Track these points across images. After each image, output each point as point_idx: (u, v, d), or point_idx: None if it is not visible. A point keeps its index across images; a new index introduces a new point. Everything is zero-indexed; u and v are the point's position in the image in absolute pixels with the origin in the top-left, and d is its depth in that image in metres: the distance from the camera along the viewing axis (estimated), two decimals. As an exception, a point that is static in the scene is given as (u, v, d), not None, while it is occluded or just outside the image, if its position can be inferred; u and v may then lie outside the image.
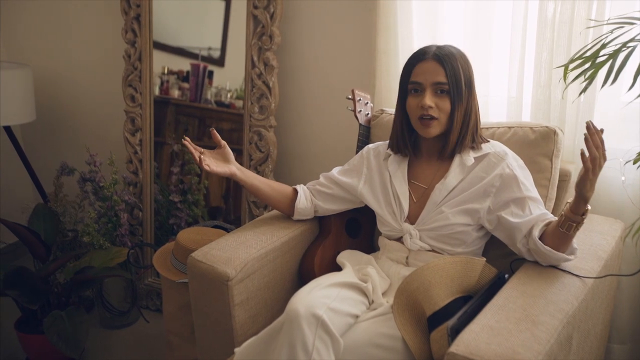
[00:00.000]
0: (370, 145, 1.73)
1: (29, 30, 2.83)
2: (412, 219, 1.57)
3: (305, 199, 1.72)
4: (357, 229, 1.80)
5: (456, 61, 1.49)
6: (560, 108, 1.76)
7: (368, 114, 1.89)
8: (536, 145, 1.61)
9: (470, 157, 1.53)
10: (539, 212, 1.45)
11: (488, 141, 1.58)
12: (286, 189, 1.74)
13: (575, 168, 1.72)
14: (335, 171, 1.74)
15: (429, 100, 1.49)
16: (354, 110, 1.86)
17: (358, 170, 1.70)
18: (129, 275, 2.28)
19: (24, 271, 2.02)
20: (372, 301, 1.52)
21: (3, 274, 2.03)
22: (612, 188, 1.74)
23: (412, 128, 1.57)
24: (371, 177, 1.67)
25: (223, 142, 1.63)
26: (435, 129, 1.51)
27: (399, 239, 1.60)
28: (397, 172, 1.62)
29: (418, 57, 1.52)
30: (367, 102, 1.90)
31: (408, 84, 1.53)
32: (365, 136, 1.84)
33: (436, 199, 1.54)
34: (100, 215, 2.39)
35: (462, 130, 1.52)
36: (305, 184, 1.77)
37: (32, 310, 2.09)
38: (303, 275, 1.72)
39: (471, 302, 1.33)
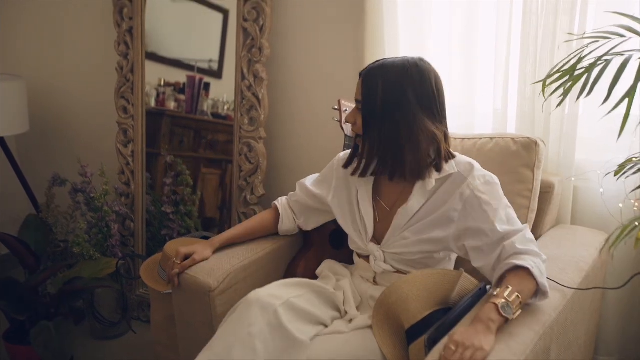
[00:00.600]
0: (340, 154, 1.67)
1: (22, 42, 2.86)
2: (377, 238, 1.53)
3: (288, 219, 1.72)
4: (340, 240, 1.80)
5: (378, 80, 1.40)
6: (544, 120, 1.78)
7: (355, 122, 1.88)
8: (518, 156, 1.62)
9: (432, 179, 1.44)
10: (502, 242, 1.34)
11: (454, 156, 1.45)
12: (264, 218, 1.73)
13: (559, 180, 1.73)
14: (309, 182, 1.72)
15: (350, 115, 1.48)
16: (340, 121, 1.86)
17: (328, 181, 1.66)
18: (118, 286, 2.29)
19: (11, 282, 2.03)
20: (345, 312, 1.52)
21: (-9, 284, 2.04)
22: (596, 200, 1.75)
23: None
24: (339, 191, 1.62)
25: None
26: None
27: (367, 257, 1.57)
28: (363, 189, 1.55)
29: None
30: None
31: None
32: (350, 147, 1.85)
33: (399, 222, 1.48)
34: (91, 226, 2.40)
35: (386, 153, 1.41)
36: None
37: (20, 320, 2.09)
38: None
39: (450, 314, 1.33)
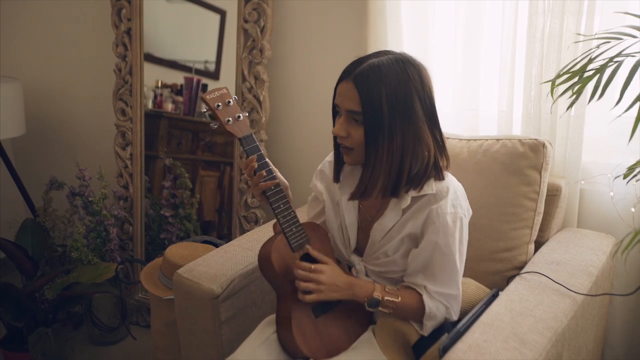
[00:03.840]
0: (328, 158, 1.52)
1: (19, 43, 2.82)
2: (360, 250, 1.43)
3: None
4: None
5: (380, 85, 1.22)
6: (550, 122, 1.75)
7: (239, 116, 1.33)
8: (525, 157, 1.59)
9: (407, 197, 1.32)
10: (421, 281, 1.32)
11: (443, 179, 1.32)
12: None
13: (565, 182, 1.71)
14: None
15: (338, 128, 1.28)
16: (222, 124, 1.32)
17: (318, 192, 1.51)
18: (117, 292, 2.26)
19: (9, 287, 2.00)
20: None
21: (-12, 290, 2.01)
22: (603, 203, 1.73)
23: None
24: (330, 192, 1.48)
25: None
26: (352, 159, 1.32)
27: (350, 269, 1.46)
28: (347, 198, 1.39)
29: (341, 75, 1.29)
30: (229, 101, 1.34)
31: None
32: (251, 152, 1.33)
33: (375, 238, 1.38)
34: (89, 230, 2.37)
35: (391, 170, 1.26)
36: (296, 199, 1.72)
37: (18, 327, 2.06)
38: None
39: (464, 321, 1.30)
